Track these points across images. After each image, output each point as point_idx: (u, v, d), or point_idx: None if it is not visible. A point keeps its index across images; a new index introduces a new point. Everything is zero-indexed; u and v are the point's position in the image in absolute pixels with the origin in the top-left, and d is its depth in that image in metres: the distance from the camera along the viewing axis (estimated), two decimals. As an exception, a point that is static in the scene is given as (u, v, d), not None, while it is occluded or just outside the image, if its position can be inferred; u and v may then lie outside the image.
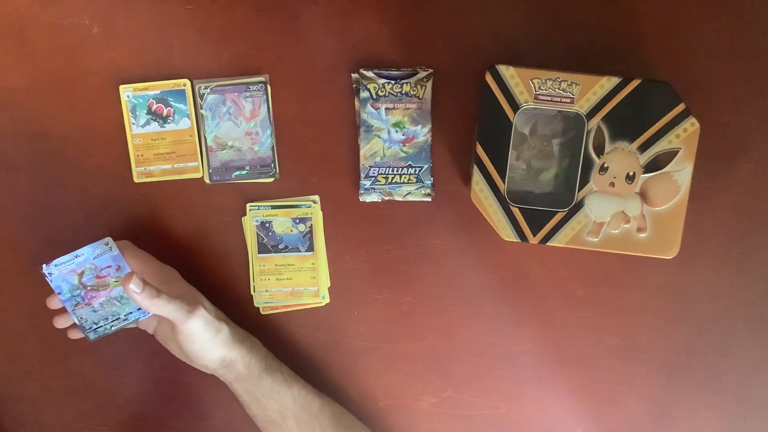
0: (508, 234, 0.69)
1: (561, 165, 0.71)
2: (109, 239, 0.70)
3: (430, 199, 0.76)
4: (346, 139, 0.76)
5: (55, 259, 0.68)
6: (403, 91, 0.74)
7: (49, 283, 0.68)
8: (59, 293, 0.68)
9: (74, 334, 0.72)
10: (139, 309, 0.71)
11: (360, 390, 0.79)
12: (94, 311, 0.70)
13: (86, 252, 0.69)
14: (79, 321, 0.70)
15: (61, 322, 0.72)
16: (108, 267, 0.70)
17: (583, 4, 0.74)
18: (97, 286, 0.70)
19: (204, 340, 0.69)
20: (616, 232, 0.68)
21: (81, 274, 0.69)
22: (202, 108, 0.75)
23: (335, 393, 0.76)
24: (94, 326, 0.70)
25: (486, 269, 0.77)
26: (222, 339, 0.70)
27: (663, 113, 0.66)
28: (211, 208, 0.77)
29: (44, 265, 0.67)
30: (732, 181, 0.75)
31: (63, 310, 0.70)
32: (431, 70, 0.74)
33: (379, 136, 0.75)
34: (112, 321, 0.71)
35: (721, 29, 0.73)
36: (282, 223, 0.77)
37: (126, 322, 0.71)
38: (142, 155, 0.76)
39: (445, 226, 0.77)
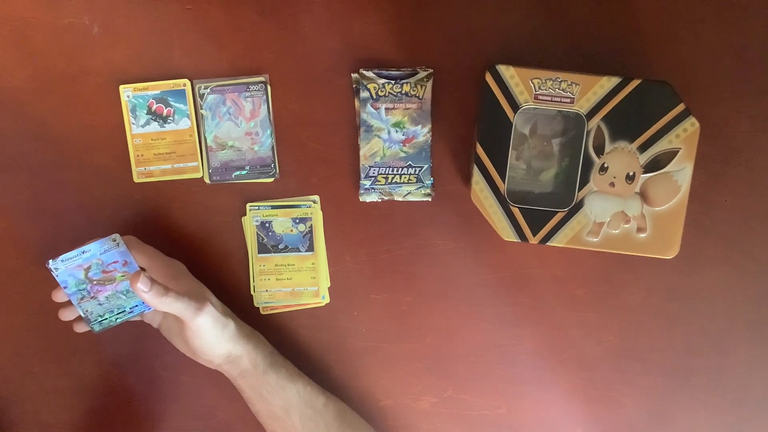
0: (508, 234, 0.69)
1: (561, 165, 0.71)
2: (116, 235, 0.70)
3: (430, 199, 0.76)
4: (346, 139, 0.76)
5: (60, 255, 0.68)
6: (403, 91, 0.74)
7: (55, 277, 0.68)
8: (65, 287, 0.68)
9: (80, 328, 0.73)
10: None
11: (360, 390, 0.79)
12: (100, 304, 0.70)
13: (93, 248, 0.69)
14: (84, 313, 0.70)
15: (66, 315, 0.72)
16: (115, 262, 0.70)
17: (583, 4, 0.74)
18: (104, 281, 0.70)
19: (211, 336, 0.69)
20: (616, 232, 0.68)
21: (87, 269, 0.69)
22: (202, 108, 0.75)
23: (335, 393, 0.76)
24: (100, 318, 0.71)
25: (486, 269, 0.77)
26: (228, 335, 0.70)
27: (663, 113, 0.66)
28: (211, 208, 0.77)
29: (50, 261, 0.67)
30: (732, 181, 0.75)
31: (68, 303, 0.71)
32: (431, 70, 0.74)
33: (379, 136, 0.75)
34: (117, 314, 0.71)
35: (721, 29, 0.73)
36: (282, 223, 0.77)
37: (131, 314, 0.72)
38: (142, 155, 0.76)
39: (445, 226, 0.77)
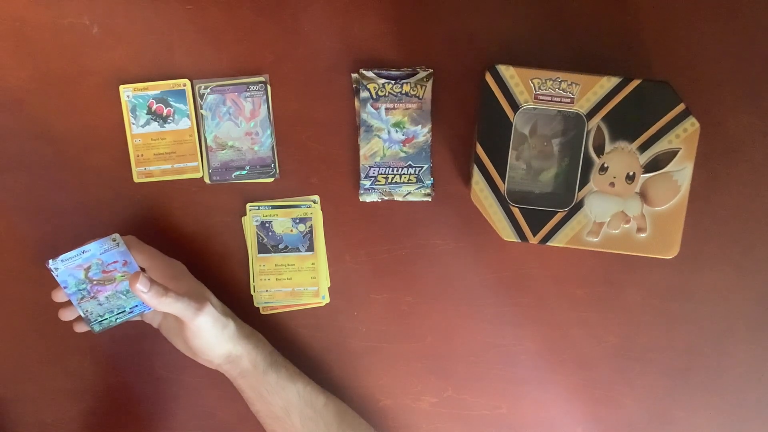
0: (508, 234, 0.69)
1: (561, 165, 0.71)
2: (116, 235, 0.70)
3: (430, 199, 0.76)
4: (346, 139, 0.76)
5: (60, 255, 0.68)
6: (403, 91, 0.74)
7: (55, 277, 0.68)
8: (65, 287, 0.68)
9: (79, 328, 0.73)
10: None
11: (360, 390, 0.79)
12: (100, 304, 0.70)
13: (93, 248, 0.69)
14: (84, 314, 0.70)
15: (66, 315, 0.72)
16: (115, 262, 0.70)
17: (583, 4, 0.74)
18: (104, 281, 0.70)
19: (211, 336, 0.69)
20: (616, 232, 0.68)
21: (87, 269, 0.69)
22: (202, 108, 0.75)
23: (335, 393, 0.76)
24: (99, 318, 0.71)
25: (486, 269, 0.77)
26: (228, 335, 0.70)
27: (663, 113, 0.66)
28: (211, 208, 0.77)
29: (50, 261, 0.67)
30: (732, 181, 0.75)
31: (68, 303, 0.71)
32: (431, 70, 0.74)
33: (379, 136, 0.75)
34: (117, 314, 0.71)
35: (721, 29, 0.73)
36: (282, 223, 0.77)
37: (131, 314, 0.72)
38: (142, 155, 0.76)
39: (445, 226, 0.77)
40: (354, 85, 0.75)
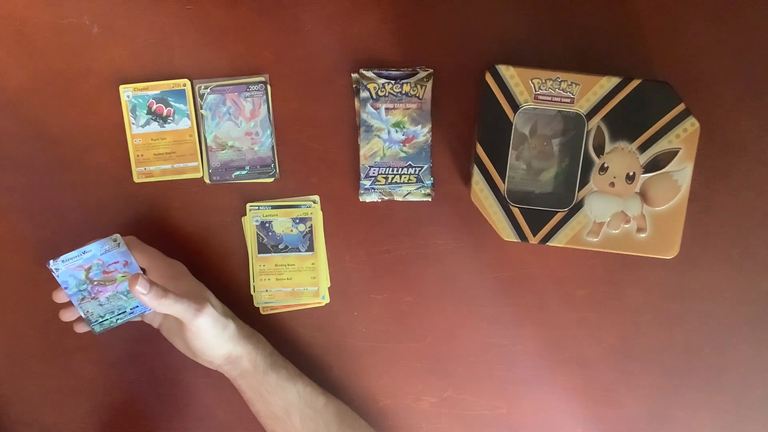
0: (508, 234, 0.69)
1: (561, 165, 0.71)
2: (117, 235, 0.70)
3: (430, 199, 0.76)
4: (346, 139, 0.76)
5: (61, 255, 0.68)
6: (403, 91, 0.74)
7: (56, 278, 0.68)
8: (65, 288, 0.68)
9: (80, 328, 0.73)
10: None
11: (360, 390, 0.79)
12: (101, 305, 0.70)
13: (94, 248, 0.69)
14: (85, 314, 0.70)
15: (67, 316, 0.72)
16: (115, 263, 0.70)
17: (583, 4, 0.74)
18: (104, 281, 0.70)
19: (211, 337, 0.69)
20: (616, 232, 0.68)
21: (88, 270, 0.69)
22: (202, 108, 0.75)
23: (335, 393, 0.76)
24: (100, 319, 0.71)
25: (486, 269, 0.77)
26: (228, 335, 0.70)
27: (663, 113, 0.66)
28: (211, 208, 0.77)
29: (51, 261, 0.67)
30: (732, 181, 0.75)
31: (69, 304, 0.71)
32: (431, 70, 0.74)
33: (379, 136, 0.75)
34: (118, 314, 0.71)
35: (721, 29, 0.73)
36: (282, 223, 0.77)
37: (132, 315, 0.72)
38: (142, 155, 0.76)
39: (445, 226, 0.77)
40: (354, 85, 0.75)
